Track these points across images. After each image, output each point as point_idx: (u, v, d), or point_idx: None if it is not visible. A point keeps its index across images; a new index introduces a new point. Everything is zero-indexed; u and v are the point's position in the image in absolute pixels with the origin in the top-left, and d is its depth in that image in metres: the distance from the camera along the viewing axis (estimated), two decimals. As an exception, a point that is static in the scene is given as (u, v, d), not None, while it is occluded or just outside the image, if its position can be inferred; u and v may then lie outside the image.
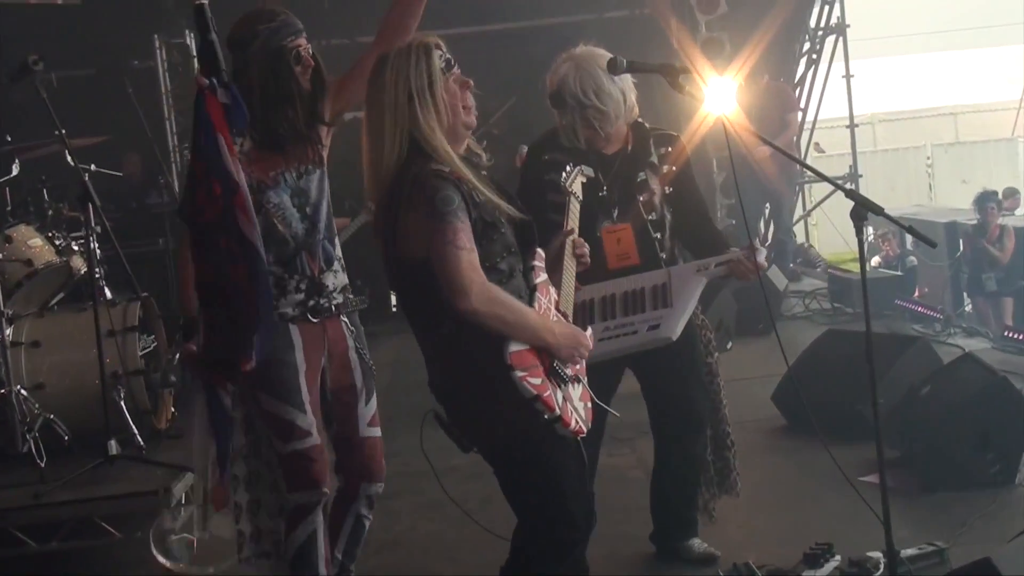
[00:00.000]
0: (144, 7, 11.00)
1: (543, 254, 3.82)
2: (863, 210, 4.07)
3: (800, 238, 14.36)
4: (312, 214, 4.20)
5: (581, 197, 4.28)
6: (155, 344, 6.81)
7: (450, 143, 3.55)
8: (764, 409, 7.10)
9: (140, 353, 6.47)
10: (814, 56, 13.30)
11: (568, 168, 4.30)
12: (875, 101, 24.81)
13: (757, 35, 11.61)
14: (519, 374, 3.43)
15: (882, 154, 24.95)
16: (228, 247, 3.73)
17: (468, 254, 3.42)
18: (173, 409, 6.85)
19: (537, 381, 3.47)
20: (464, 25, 11.56)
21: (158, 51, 10.97)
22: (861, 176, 13.65)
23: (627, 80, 4.64)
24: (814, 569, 4.65)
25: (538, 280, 3.71)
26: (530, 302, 3.62)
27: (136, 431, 6.25)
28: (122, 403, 6.25)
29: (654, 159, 4.79)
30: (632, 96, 4.72)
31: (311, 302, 4.19)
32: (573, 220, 4.14)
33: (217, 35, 3.72)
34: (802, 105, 13.20)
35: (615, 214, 4.74)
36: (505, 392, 3.46)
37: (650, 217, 4.75)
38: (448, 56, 3.60)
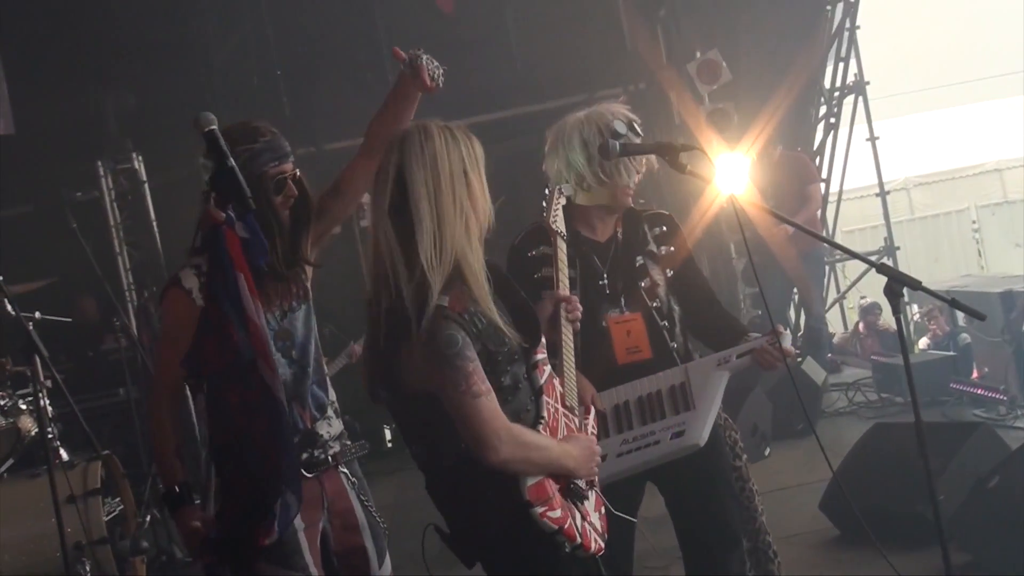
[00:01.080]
0: (83, 132, 11.16)
1: (545, 342, 3.84)
2: (898, 285, 4.07)
3: (838, 325, 14.39)
4: (300, 357, 4.13)
5: (566, 235, 4.31)
6: (121, 507, 6.78)
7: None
8: (813, 520, 7.04)
9: (105, 518, 6.44)
10: (832, 120, 13.41)
11: (547, 192, 4.33)
12: (908, 164, 24.82)
13: (768, 103, 11.75)
14: (539, 510, 3.48)
15: (921, 222, 24.93)
16: (243, 399, 3.70)
17: (486, 400, 3.45)
18: (147, 579, 6.81)
19: (556, 514, 3.51)
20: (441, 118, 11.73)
21: (103, 179, 11.09)
22: (898, 248, 13.66)
23: None
24: None
25: (543, 379, 3.73)
26: (538, 411, 3.66)
27: (105, 608, 6.20)
28: (88, 577, 6.21)
29: (651, 245, 4.81)
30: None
31: (304, 455, 4.10)
32: (561, 270, 4.18)
33: (235, 159, 3.69)
34: (824, 175, 13.28)
35: (622, 303, 4.74)
36: (523, 528, 3.50)
37: (654, 305, 4.75)
38: None
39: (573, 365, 4.02)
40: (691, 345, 4.89)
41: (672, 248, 4.86)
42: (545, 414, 3.67)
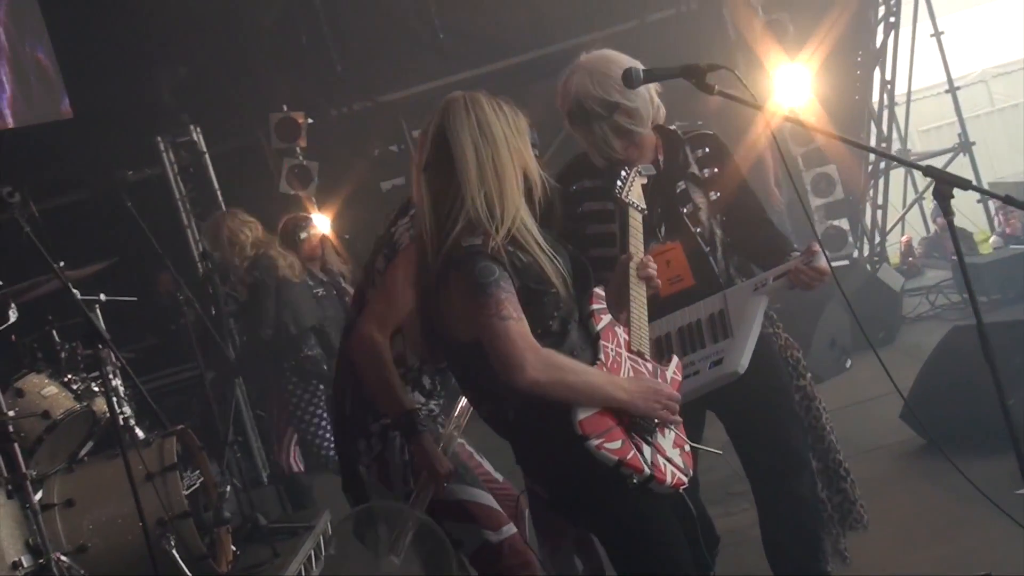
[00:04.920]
0: (140, 110, 11.21)
1: (602, 294, 3.84)
2: (947, 187, 3.92)
3: (920, 228, 14.13)
4: None
5: (644, 206, 4.22)
6: (201, 479, 6.83)
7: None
8: (897, 430, 6.92)
9: (185, 492, 6.49)
10: (892, 19, 13.08)
11: (624, 172, 4.24)
12: (983, 55, 24.17)
13: (826, 11, 11.50)
14: (594, 442, 3.46)
15: (1000, 114, 24.31)
16: None
17: (516, 324, 3.46)
18: (234, 548, 6.85)
19: (616, 445, 3.49)
20: (468, 68, 11.71)
21: (164, 154, 11.14)
22: (974, 144, 13.34)
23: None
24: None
25: (600, 326, 3.74)
26: (595, 353, 3.67)
27: (194, 580, 6.26)
28: (174, 552, 6.26)
29: (693, 167, 4.69)
30: (657, 97, 4.65)
31: None
32: (635, 237, 4.10)
33: None
34: (888, 77, 12.97)
35: (662, 232, 4.65)
36: (586, 465, 3.49)
37: (697, 230, 4.64)
38: None
39: (644, 317, 3.95)
40: (734, 271, 4.77)
41: (716, 170, 4.74)
42: (602, 356, 3.67)
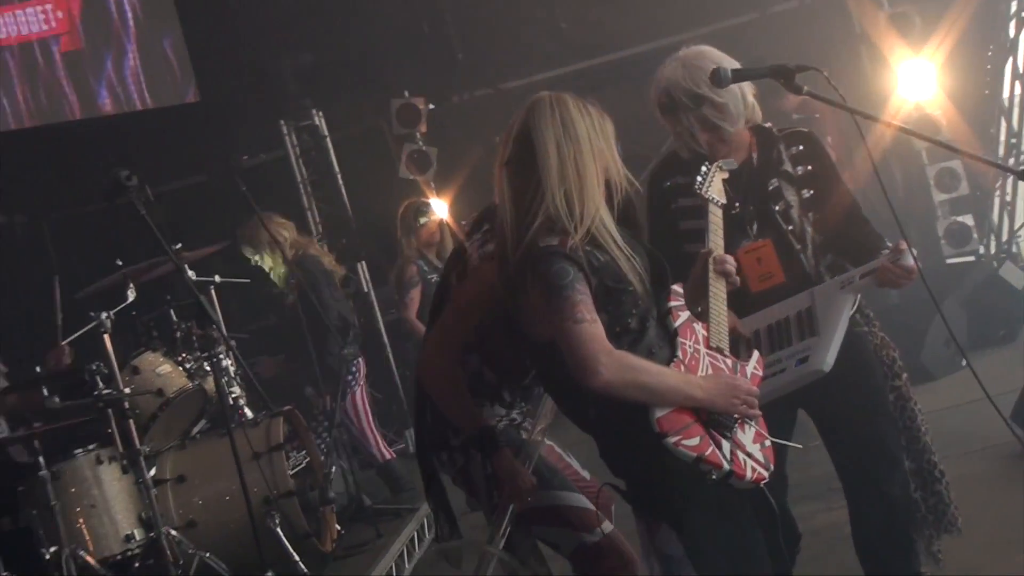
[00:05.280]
0: (266, 94, 11.41)
1: (680, 291, 3.85)
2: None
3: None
4: None
5: (723, 201, 4.24)
6: (308, 459, 6.98)
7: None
8: (1007, 431, 6.80)
9: (291, 472, 6.64)
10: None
11: (705, 168, 4.25)
12: None
13: (953, 3, 11.28)
14: (672, 440, 3.48)
15: None
16: None
17: (590, 326, 3.49)
18: (339, 527, 6.99)
19: (694, 441, 3.51)
20: (588, 57, 11.69)
21: (286, 137, 11.33)
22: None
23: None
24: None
25: (678, 323, 3.75)
26: (672, 350, 3.68)
27: (298, 559, 6.40)
28: (278, 530, 6.42)
29: (787, 165, 4.66)
30: (751, 96, 4.64)
31: None
32: (715, 233, 4.11)
33: None
34: (1022, 72, 12.67)
35: (754, 230, 4.63)
36: (665, 461, 3.51)
37: (788, 228, 4.62)
38: None
39: (723, 312, 3.96)
40: (824, 269, 4.73)
41: (810, 167, 4.71)
42: (680, 353, 3.68)
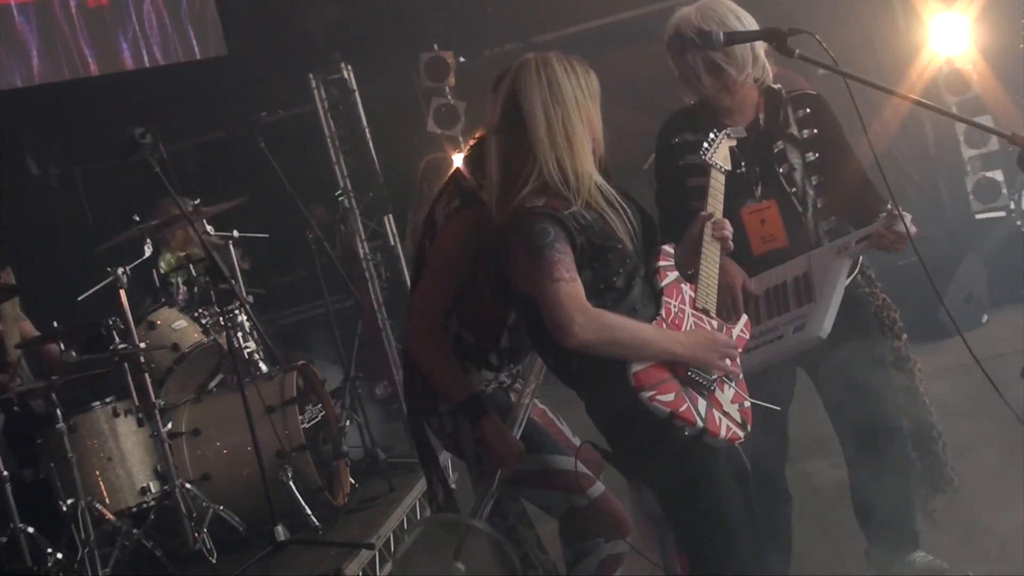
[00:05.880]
0: (295, 47, 11.43)
1: (671, 251, 3.89)
2: (1031, 156, 3.83)
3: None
4: None
5: (728, 167, 4.27)
6: (322, 413, 7.05)
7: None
8: (1019, 389, 6.77)
9: (305, 426, 6.72)
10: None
11: (712, 135, 4.28)
12: None
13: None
14: (647, 394, 3.53)
15: None
16: None
17: (567, 285, 3.54)
18: (353, 481, 7.08)
19: (669, 397, 3.55)
20: (621, 10, 11.63)
21: (315, 91, 11.35)
22: None
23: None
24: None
25: (665, 282, 3.80)
26: (656, 308, 3.72)
27: (310, 511, 6.50)
28: (290, 483, 6.51)
29: (792, 128, 4.67)
30: (763, 55, 4.64)
31: None
32: (715, 198, 4.14)
33: None
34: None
35: (758, 191, 4.65)
36: (640, 416, 3.56)
37: (792, 190, 4.63)
38: None
39: (714, 275, 3.98)
40: (823, 233, 4.74)
41: (816, 131, 4.71)
42: (663, 312, 3.72)
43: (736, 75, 4.58)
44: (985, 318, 8.71)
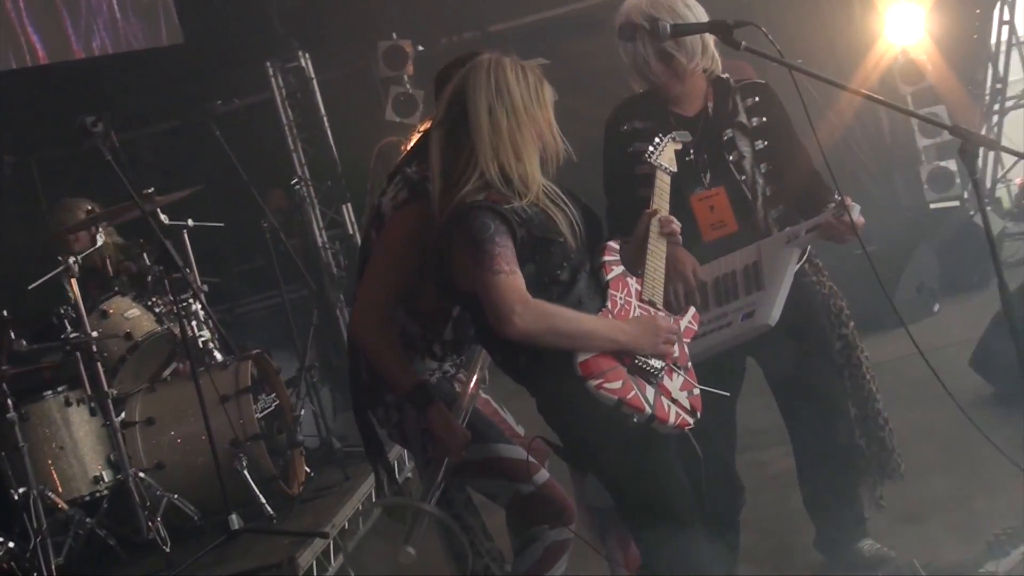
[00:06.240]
0: (251, 35, 11.37)
1: (616, 247, 3.93)
2: (972, 147, 3.85)
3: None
4: None
5: (674, 169, 4.33)
6: (276, 402, 7.05)
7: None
8: (972, 377, 6.83)
9: (260, 415, 6.72)
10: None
11: (658, 140, 4.34)
12: None
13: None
14: (594, 383, 3.57)
15: None
16: None
17: (507, 277, 3.56)
18: (308, 469, 7.08)
19: (616, 385, 3.59)
20: (569, 2, 11.64)
21: (272, 79, 11.32)
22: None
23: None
24: (998, 559, 4.43)
25: (610, 276, 3.84)
26: (602, 301, 3.76)
27: (264, 500, 6.50)
28: (245, 472, 6.51)
29: (741, 116, 4.71)
30: (712, 46, 4.66)
31: None
32: (660, 196, 4.19)
33: None
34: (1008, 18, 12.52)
35: (707, 179, 4.68)
36: (588, 406, 3.60)
37: (741, 178, 4.66)
38: None
39: (661, 269, 4.02)
40: (773, 222, 4.77)
41: (765, 119, 4.75)
42: (609, 304, 3.76)
43: (686, 63, 4.62)
44: (937, 307, 8.78)
